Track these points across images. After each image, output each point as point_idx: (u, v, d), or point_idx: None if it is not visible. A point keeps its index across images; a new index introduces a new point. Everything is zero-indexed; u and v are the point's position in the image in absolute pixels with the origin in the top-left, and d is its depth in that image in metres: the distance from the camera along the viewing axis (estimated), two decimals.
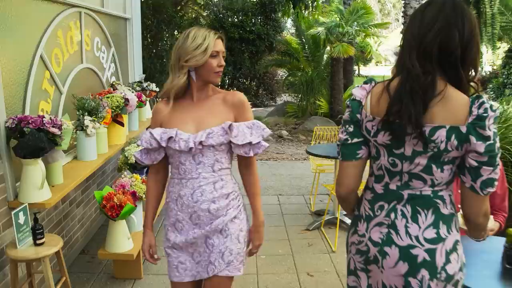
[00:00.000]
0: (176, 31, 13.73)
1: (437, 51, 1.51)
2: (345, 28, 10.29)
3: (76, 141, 3.65)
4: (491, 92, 16.41)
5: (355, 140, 1.67)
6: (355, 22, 10.54)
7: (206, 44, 1.98)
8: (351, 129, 1.68)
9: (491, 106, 1.46)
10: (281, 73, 16.51)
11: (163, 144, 2.03)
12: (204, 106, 2.08)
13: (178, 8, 16.74)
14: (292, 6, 12.19)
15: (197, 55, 1.97)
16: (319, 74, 12.16)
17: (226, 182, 2.09)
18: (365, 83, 1.69)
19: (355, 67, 17.13)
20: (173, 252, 2.14)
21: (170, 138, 2.02)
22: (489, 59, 25.99)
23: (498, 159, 1.51)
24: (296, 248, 4.28)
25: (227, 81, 17.11)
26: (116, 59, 5.26)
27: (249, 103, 2.13)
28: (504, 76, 16.00)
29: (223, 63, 2.06)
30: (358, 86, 1.70)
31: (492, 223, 2.19)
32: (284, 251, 4.21)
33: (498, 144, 1.50)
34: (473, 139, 1.46)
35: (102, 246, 3.53)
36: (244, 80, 16.85)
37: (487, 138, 1.46)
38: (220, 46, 2.04)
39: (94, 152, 3.74)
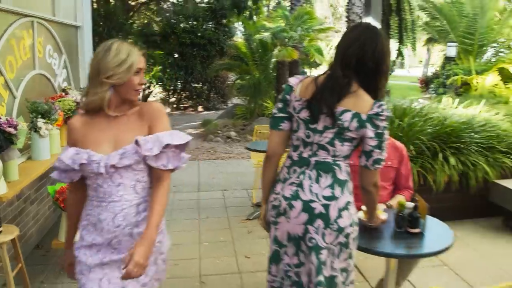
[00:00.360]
0: (127, 37, 14.04)
1: (355, 61, 2.08)
2: (290, 33, 10.83)
3: (30, 142, 3.95)
4: (433, 92, 17.38)
5: (280, 114, 2.21)
6: (299, 27, 11.09)
7: (131, 61, 1.88)
8: (280, 105, 2.22)
9: (386, 109, 2.05)
10: (233, 76, 16.95)
11: (76, 168, 1.91)
12: (120, 123, 1.95)
13: (131, 14, 16.98)
14: (237, 13, 12.65)
15: (120, 72, 1.86)
16: (267, 77, 12.64)
17: None
18: (300, 74, 2.29)
19: (307, 70, 17.75)
20: (81, 278, 1.97)
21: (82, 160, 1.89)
22: (435, 61, 27.25)
23: (384, 145, 2.08)
24: (236, 235, 4.71)
25: (179, 85, 17.40)
26: (68, 65, 5.54)
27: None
28: (444, 77, 16.95)
29: (145, 81, 1.99)
30: (294, 76, 2.27)
31: (385, 216, 2.70)
32: (226, 238, 4.62)
33: (386, 136, 2.08)
34: (368, 125, 2.02)
35: (55, 237, 3.83)
36: (196, 85, 17.17)
37: (378, 127, 2.03)
38: (143, 63, 1.95)
39: (47, 152, 4.03)
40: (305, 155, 2.15)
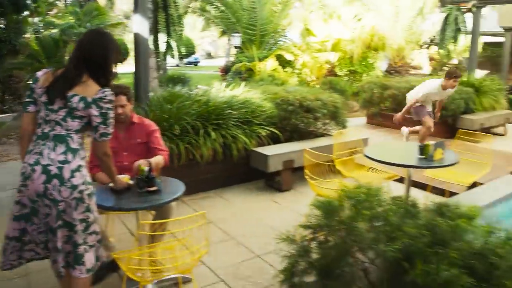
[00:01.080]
0: None
1: (85, 58, 2.73)
2: (78, 29, 10.95)
3: None
4: (230, 78, 18.83)
5: (28, 99, 2.79)
6: (89, 23, 11.25)
7: None
8: (28, 92, 2.80)
9: (108, 95, 2.72)
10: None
11: None
12: None
13: None
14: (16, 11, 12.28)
15: None
16: None
17: None
18: (46, 69, 2.83)
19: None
20: None
21: None
22: (232, 50, 29.03)
23: (109, 122, 2.74)
24: None
25: None
26: None
27: None
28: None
29: None
30: (42, 70, 2.83)
31: (132, 182, 3.29)
32: None
33: (111, 115, 2.75)
34: (93, 106, 2.69)
35: None
36: None
37: (101, 108, 2.71)
38: None
39: None
40: (46, 130, 2.72)
